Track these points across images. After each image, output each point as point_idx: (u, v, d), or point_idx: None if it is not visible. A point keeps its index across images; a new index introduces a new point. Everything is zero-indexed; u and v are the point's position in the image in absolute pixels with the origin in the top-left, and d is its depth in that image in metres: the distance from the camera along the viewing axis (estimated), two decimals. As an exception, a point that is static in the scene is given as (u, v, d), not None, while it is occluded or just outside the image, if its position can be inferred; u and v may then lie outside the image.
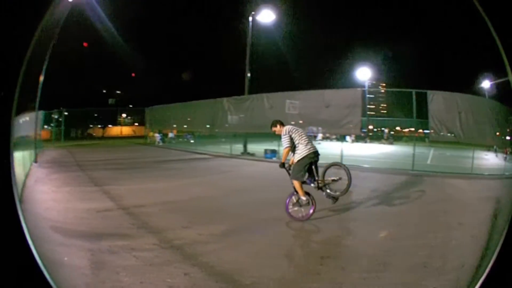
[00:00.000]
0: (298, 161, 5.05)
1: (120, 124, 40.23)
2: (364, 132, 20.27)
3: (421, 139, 19.12)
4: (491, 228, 4.19)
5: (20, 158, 5.98)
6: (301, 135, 5.16)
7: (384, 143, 26.28)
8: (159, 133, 24.53)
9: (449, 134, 10.81)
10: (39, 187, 7.00)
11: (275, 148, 14.15)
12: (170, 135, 25.78)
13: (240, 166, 12.09)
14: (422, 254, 3.66)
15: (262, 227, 4.77)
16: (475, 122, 10.26)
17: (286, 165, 5.23)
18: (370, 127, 32.41)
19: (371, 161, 13.01)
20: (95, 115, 38.43)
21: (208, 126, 18.78)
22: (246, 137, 16.14)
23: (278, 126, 5.38)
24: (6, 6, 1.32)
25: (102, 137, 33.90)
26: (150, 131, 26.21)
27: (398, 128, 35.16)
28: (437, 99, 10.95)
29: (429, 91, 11.19)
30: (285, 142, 5.12)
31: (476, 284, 1.42)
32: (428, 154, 16.39)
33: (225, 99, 16.64)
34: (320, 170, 5.24)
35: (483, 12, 1.44)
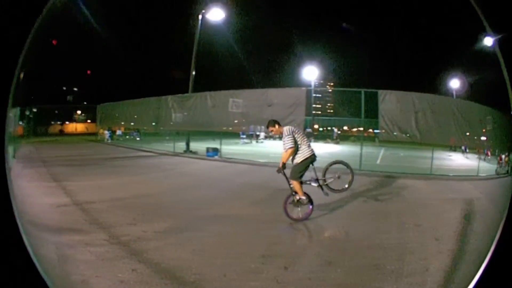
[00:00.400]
0: (302, 161, 4.59)
1: (75, 121, 38.58)
2: (308, 131, 18.78)
3: (371, 139, 17.91)
4: (462, 230, 4.11)
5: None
6: (303, 136, 4.74)
7: (329, 143, 23.91)
8: (108, 130, 22.15)
9: (404, 135, 9.41)
10: (17, 182, 6.65)
11: (217, 146, 13.06)
12: (118, 132, 23.80)
13: (183, 164, 11.25)
14: (374, 256, 3.30)
15: (204, 224, 4.43)
16: (436, 122, 8.93)
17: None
18: (316, 126, 30.67)
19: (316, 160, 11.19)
20: (56, 112, 36.53)
21: (153, 123, 17.16)
22: (189, 135, 14.60)
23: (276, 126, 4.85)
24: (4, 6, 1.24)
25: (61, 134, 32.44)
26: (100, 128, 23.81)
27: (345, 127, 33.92)
28: (389, 99, 9.65)
29: (380, 90, 9.83)
30: (289, 142, 4.55)
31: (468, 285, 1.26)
32: (378, 154, 15.17)
33: (169, 97, 15.03)
34: (322, 169, 4.96)
35: (480, 12, 1.30)
